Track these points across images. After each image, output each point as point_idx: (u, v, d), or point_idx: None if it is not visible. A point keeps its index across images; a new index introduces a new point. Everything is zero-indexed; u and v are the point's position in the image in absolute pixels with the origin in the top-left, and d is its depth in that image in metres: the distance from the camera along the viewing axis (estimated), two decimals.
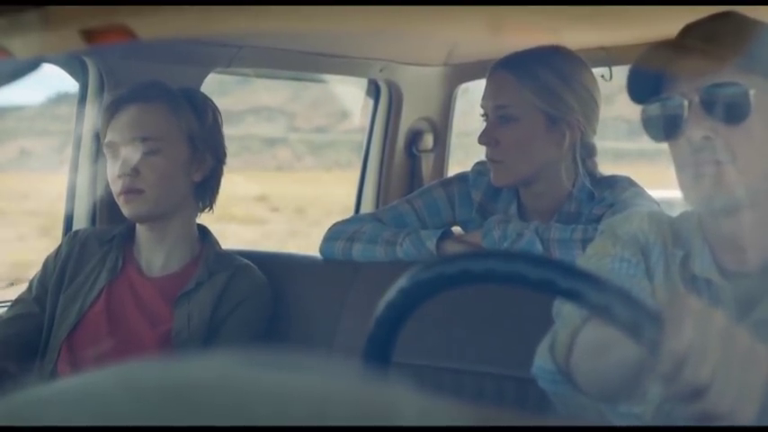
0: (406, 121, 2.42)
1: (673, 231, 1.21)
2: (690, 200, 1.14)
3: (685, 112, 1.10)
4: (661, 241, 1.20)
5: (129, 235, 1.79)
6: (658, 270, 1.19)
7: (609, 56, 1.98)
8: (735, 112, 1.09)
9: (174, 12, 1.26)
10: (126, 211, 1.71)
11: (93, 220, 1.95)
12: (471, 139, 1.77)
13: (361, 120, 2.46)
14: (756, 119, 1.09)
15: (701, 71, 1.10)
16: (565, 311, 1.14)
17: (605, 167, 1.81)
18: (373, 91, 2.42)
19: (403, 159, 2.44)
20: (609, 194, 1.69)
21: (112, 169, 1.71)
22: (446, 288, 0.76)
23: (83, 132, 1.94)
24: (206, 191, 1.79)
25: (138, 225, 1.77)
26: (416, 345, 1.57)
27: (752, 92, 1.08)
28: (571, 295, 0.72)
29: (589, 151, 1.76)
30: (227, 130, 1.83)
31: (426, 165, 2.48)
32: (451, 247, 1.71)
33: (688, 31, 1.17)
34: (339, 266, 1.82)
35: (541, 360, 1.17)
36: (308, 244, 2.69)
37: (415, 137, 2.44)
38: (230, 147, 1.82)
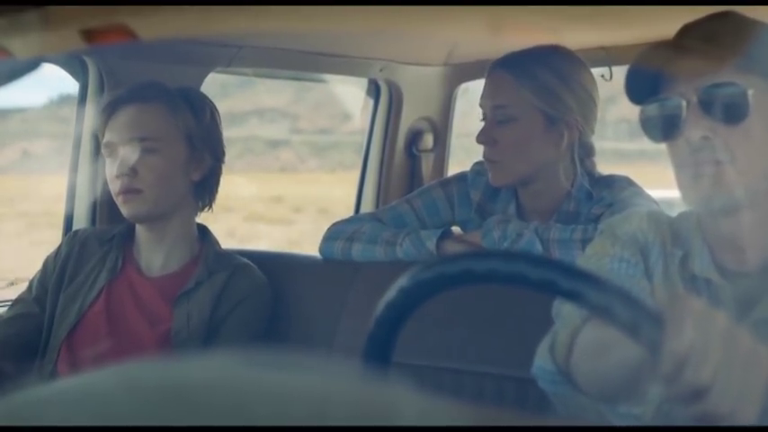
0: (407, 121, 2.42)
1: (672, 231, 1.21)
2: (689, 200, 1.14)
3: (684, 113, 1.10)
4: (660, 241, 1.20)
5: (129, 235, 1.79)
6: (657, 270, 1.19)
7: (609, 56, 1.98)
8: (733, 113, 1.09)
9: (174, 12, 1.26)
10: (124, 211, 1.71)
11: (92, 219, 1.95)
12: (472, 140, 1.78)
13: (362, 120, 2.46)
14: (755, 119, 1.09)
15: (700, 71, 1.10)
16: (565, 312, 1.14)
17: (608, 168, 1.81)
18: (373, 91, 2.42)
19: (403, 159, 2.44)
20: (607, 194, 1.69)
21: (111, 169, 1.71)
22: (447, 288, 0.76)
23: (83, 132, 1.94)
24: (205, 190, 1.79)
25: (137, 225, 1.77)
26: (417, 345, 1.57)
27: (750, 92, 1.08)
28: (572, 296, 0.72)
29: (587, 151, 1.76)
30: (231, 132, 1.83)
31: (426, 165, 2.48)
32: (451, 247, 1.71)
33: (686, 31, 1.17)
34: (339, 266, 1.82)
35: (541, 360, 1.17)
36: None
37: (415, 137, 2.44)
38: (234, 148, 1.83)
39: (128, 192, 1.69)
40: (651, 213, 1.25)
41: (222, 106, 1.83)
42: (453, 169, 2.48)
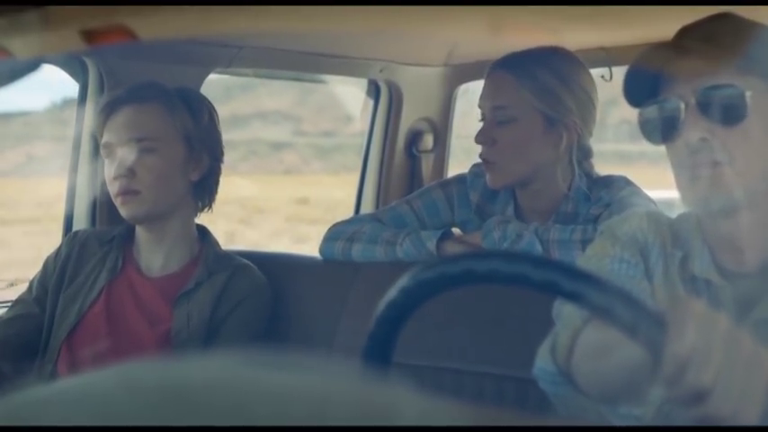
0: (406, 122, 2.42)
1: (672, 232, 1.21)
2: (687, 201, 1.14)
3: (682, 114, 1.10)
4: (660, 242, 1.20)
5: (129, 235, 1.79)
6: (657, 271, 1.19)
7: (609, 56, 1.98)
8: (732, 114, 1.09)
9: (174, 12, 1.26)
10: (123, 212, 1.71)
11: (92, 220, 1.95)
12: (472, 141, 1.78)
13: (363, 122, 2.46)
14: (753, 120, 1.09)
15: (698, 73, 1.10)
16: (565, 313, 1.14)
17: (609, 169, 1.81)
18: (373, 91, 2.42)
19: (403, 160, 2.44)
20: (605, 194, 1.69)
21: (109, 170, 1.71)
22: (448, 288, 0.76)
23: (82, 133, 1.94)
24: (204, 190, 1.79)
25: (137, 225, 1.77)
26: (417, 345, 1.57)
27: (748, 93, 1.08)
28: (574, 297, 0.72)
29: (585, 153, 1.76)
30: (235, 135, 1.84)
31: (426, 165, 2.48)
32: (452, 248, 1.71)
33: (684, 32, 1.17)
34: (339, 267, 1.82)
35: (542, 361, 1.16)
36: None
37: (415, 137, 2.44)
38: (238, 151, 1.84)
39: (126, 193, 1.69)
40: (651, 214, 1.25)
41: (225, 109, 1.83)
42: (453, 170, 2.48)
